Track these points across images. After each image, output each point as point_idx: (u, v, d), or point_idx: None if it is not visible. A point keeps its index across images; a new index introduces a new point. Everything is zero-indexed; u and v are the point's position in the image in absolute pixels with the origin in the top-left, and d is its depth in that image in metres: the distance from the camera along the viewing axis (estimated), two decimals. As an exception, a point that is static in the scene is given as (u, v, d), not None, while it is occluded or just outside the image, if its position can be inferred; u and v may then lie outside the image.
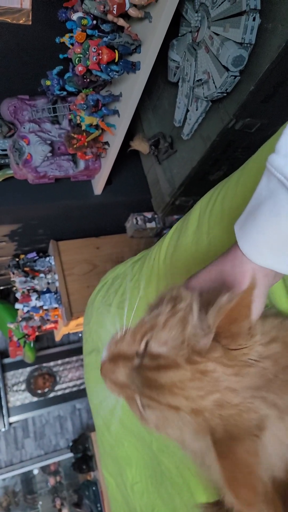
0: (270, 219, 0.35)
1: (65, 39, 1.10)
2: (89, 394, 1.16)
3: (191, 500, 0.65)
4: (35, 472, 2.77)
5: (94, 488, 2.62)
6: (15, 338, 2.18)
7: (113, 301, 0.87)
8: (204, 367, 0.35)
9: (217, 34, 0.88)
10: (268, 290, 0.41)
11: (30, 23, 1.15)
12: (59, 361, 2.99)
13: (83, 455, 2.71)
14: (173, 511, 0.74)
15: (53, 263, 1.78)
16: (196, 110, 1.06)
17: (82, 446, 2.71)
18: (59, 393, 2.94)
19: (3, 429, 2.65)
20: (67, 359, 3.04)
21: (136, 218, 1.71)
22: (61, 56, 1.15)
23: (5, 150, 1.31)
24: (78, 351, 3.05)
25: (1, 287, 2.84)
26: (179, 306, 0.39)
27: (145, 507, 0.83)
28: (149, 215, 1.73)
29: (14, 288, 1.86)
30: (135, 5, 0.90)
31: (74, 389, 3.01)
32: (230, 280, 0.40)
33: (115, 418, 0.94)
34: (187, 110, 1.11)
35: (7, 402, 2.71)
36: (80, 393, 2.98)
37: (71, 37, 1.08)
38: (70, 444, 2.77)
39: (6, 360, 2.79)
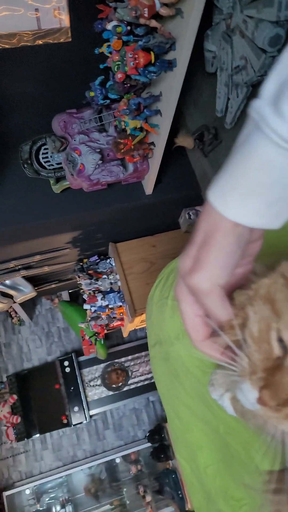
0: (239, 163, 0.33)
1: (104, 49, 1.15)
2: (157, 384, 1.21)
3: (259, 478, 0.66)
4: (118, 460, 2.93)
5: (173, 476, 2.69)
6: (87, 337, 2.32)
7: (169, 294, 0.91)
8: None
9: (251, 17, 0.87)
10: (240, 244, 0.36)
11: (70, 39, 1.23)
12: (130, 357, 3.12)
13: (160, 444, 2.80)
14: (244, 489, 0.76)
15: (113, 264, 1.87)
16: (237, 97, 1.05)
17: (159, 436, 2.80)
18: (132, 386, 3.07)
19: (85, 421, 2.84)
20: (136, 354, 3.15)
21: (188, 213, 1.73)
22: (101, 66, 1.21)
23: (60, 163, 1.41)
24: (146, 346, 3.14)
25: (70, 291, 3.03)
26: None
27: (219, 489, 0.87)
28: (201, 208, 1.74)
29: (81, 291, 1.99)
30: (165, 4, 0.92)
31: (146, 382, 3.12)
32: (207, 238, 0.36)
33: (182, 404, 0.98)
34: (228, 99, 1.11)
35: (86, 396, 2.89)
36: (152, 386, 3.08)
37: (108, 46, 1.14)
38: (147, 434, 2.88)
39: (81, 358, 2.98)
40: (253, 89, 1.02)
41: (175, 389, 1.02)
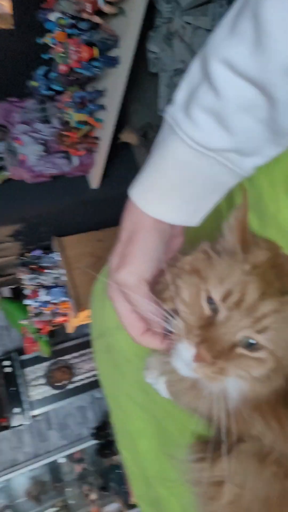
0: (157, 164, 0.35)
1: (47, 39, 1.14)
2: (101, 377, 1.22)
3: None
4: (61, 461, 2.89)
5: (118, 471, 2.72)
6: (29, 334, 2.26)
7: (111, 286, 0.93)
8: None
9: (189, 23, 0.91)
10: (163, 239, 0.38)
11: (13, 27, 1.20)
12: (75, 354, 3.08)
13: (106, 440, 2.81)
14: (180, 471, 0.80)
15: (58, 258, 1.84)
16: (178, 97, 1.10)
17: (104, 432, 2.81)
18: (78, 384, 3.04)
19: (26, 423, 2.76)
20: (82, 351, 3.13)
21: (133, 208, 1.76)
22: (45, 56, 1.19)
23: (1, 153, 1.36)
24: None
25: (11, 287, 2.92)
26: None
27: (158, 473, 0.90)
28: (146, 203, 1.77)
29: (23, 286, 1.93)
30: (108, 2, 0.94)
31: (92, 379, 3.11)
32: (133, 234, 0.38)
33: (123, 394, 1.01)
34: (169, 99, 1.15)
35: (28, 397, 2.81)
36: (98, 383, 3.07)
37: (52, 37, 1.12)
38: (93, 431, 2.88)
39: (24, 357, 2.89)
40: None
41: (117, 380, 1.04)
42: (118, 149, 1.50)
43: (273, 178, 0.41)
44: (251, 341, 0.35)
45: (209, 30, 0.86)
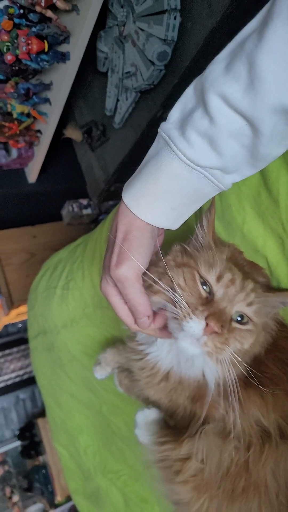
0: (151, 173, 0.40)
1: (-10, 24, 1.08)
2: (37, 376, 1.20)
3: (139, 448, 0.75)
4: (-18, 465, 2.74)
5: (43, 471, 2.67)
6: None
7: (58, 284, 0.92)
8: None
9: (142, 30, 0.94)
10: (154, 238, 0.43)
11: None
12: (-1, 354, 2.94)
13: (30, 441, 2.74)
14: (123, 462, 0.84)
15: (-12, 253, 1.74)
16: (126, 100, 1.12)
17: (29, 433, 2.73)
18: (1, 385, 2.91)
19: None
20: (7, 351, 2.99)
21: (72, 205, 1.74)
22: (-14, 41, 1.13)
23: None
24: (19, 342, 3.02)
25: None
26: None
27: (98, 466, 0.93)
28: (84, 201, 1.77)
29: None
30: (62, -3, 0.93)
31: (17, 379, 2.99)
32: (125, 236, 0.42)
33: (65, 392, 1.01)
34: (118, 100, 1.17)
35: None
36: (23, 383, 2.97)
37: (-4, 23, 1.07)
38: (17, 432, 2.78)
39: None
40: (141, 95, 1.10)
41: (58, 378, 1.04)
42: (58, 144, 1.47)
43: (240, 193, 0.47)
44: (238, 318, 0.43)
45: (163, 40, 0.90)
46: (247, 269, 0.46)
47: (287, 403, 0.46)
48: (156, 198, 0.40)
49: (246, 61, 0.32)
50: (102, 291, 0.44)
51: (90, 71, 1.31)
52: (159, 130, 0.40)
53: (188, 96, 0.38)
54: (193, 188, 0.39)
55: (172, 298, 0.42)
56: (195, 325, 0.40)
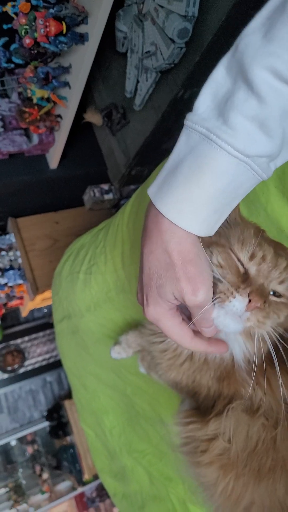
0: (191, 175, 0.35)
1: (8, 8, 1.07)
2: (63, 359, 1.23)
3: (163, 428, 0.76)
4: (13, 443, 2.86)
5: (71, 450, 2.76)
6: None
7: (81, 269, 0.93)
8: None
9: (162, 7, 0.91)
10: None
11: None
12: (26, 338, 3.03)
13: (58, 422, 2.83)
14: (147, 442, 0.85)
15: (13, 240, 1.78)
16: (146, 81, 1.10)
17: (57, 414, 2.82)
18: (29, 368, 3.00)
19: (-25, 407, 2.69)
20: (34, 335, 3.08)
21: (93, 191, 1.74)
22: (5, 26, 1.12)
23: None
24: (44, 326, 3.10)
25: None
26: None
27: (123, 445, 0.95)
28: (106, 186, 1.76)
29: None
30: (79, -24, 0.91)
31: (44, 363, 3.09)
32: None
33: (90, 374, 1.03)
34: (138, 81, 1.15)
35: (-23, 380, 2.73)
36: (49, 367, 3.06)
37: (14, 6, 1.06)
38: (45, 413, 2.88)
39: (-27, 340, 2.79)
40: (162, 75, 1.07)
41: (83, 360, 1.06)
42: (79, 129, 1.47)
43: None
44: (271, 292, 0.43)
45: (183, 16, 0.87)
46: (275, 246, 0.45)
47: None
48: (201, 204, 0.35)
49: None
50: (152, 318, 0.41)
51: (109, 52, 1.28)
52: (186, 123, 0.35)
53: (218, 79, 0.34)
54: (236, 185, 0.35)
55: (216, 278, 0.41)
56: (238, 303, 0.40)
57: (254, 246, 0.42)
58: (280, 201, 0.44)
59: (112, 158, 1.53)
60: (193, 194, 0.35)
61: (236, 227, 0.44)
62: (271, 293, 0.43)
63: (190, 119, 0.35)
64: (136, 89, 1.18)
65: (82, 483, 2.75)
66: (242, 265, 0.42)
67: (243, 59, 0.31)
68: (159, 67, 1.01)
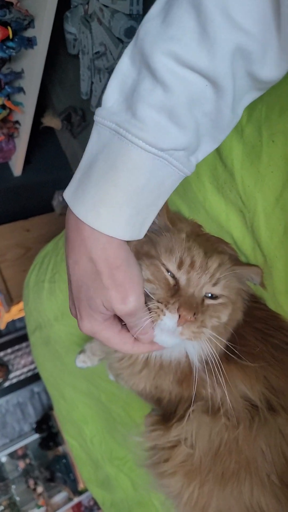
0: (105, 174, 0.32)
1: None
2: (41, 371, 1.20)
3: (138, 430, 0.74)
4: (3, 460, 2.80)
5: (64, 460, 2.72)
6: None
7: (45, 278, 0.91)
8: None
9: (106, 6, 0.90)
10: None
11: None
12: (9, 350, 2.97)
13: (48, 433, 2.78)
14: (126, 448, 0.84)
15: (-17, 252, 1.73)
16: (100, 81, 1.08)
17: (46, 425, 2.78)
18: (14, 380, 2.94)
19: None
20: (17, 346, 3.01)
21: (61, 196, 1.71)
22: None
23: None
24: (27, 336, 3.05)
25: None
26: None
27: (105, 454, 0.93)
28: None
29: None
30: (20, -22, 0.88)
31: (29, 374, 3.03)
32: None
33: (66, 384, 1.01)
34: (92, 82, 1.13)
35: None
36: (36, 377, 3.01)
37: None
38: (34, 426, 2.82)
39: None
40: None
41: (59, 371, 1.04)
42: (41, 134, 1.44)
43: (198, 169, 0.43)
44: (209, 294, 0.41)
45: (128, 15, 0.86)
46: (212, 243, 0.44)
47: (270, 373, 0.44)
48: (120, 205, 0.32)
49: (190, 6, 0.27)
50: (89, 331, 0.39)
51: (63, 55, 1.26)
52: (96, 118, 0.33)
53: (124, 70, 0.31)
54: (156, 182, 0.33)
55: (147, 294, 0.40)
56: (169, 320, 0.38)
57: (182, 253, 0.40)
58: (216, 197, 0.43)
59: (77, 161, 1.51)
60: (109, 194, 0.32)
61: (167, 233, 0.43)
62: (209, 295, 0.41)
63: (100, 114, 0.33)
64: (91, 91, 1.16)
65: (78, 492, 2.71)
66: (173, 275, 0.41)
67: (144, 46, 0.29)
68: (111, 67, 0.99)
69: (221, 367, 0.41)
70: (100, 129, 0.33)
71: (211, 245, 0.43)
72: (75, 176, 0.36)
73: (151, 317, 0.39)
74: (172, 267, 0.41)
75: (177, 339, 0.40)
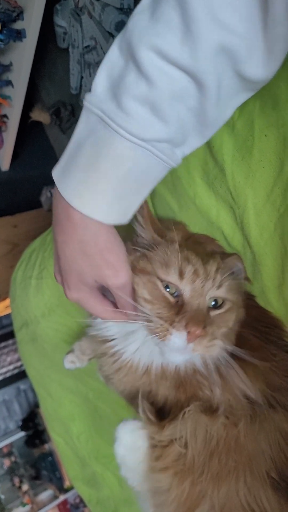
0: (89, 159, 0.34)
1: None
2: (27, 368, 1.19)
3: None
4: (-12, 458, 2.77)
5: (50, 458, 2.71)
6: None
7: (32, 274, 0.90)
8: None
9: (97, 0, 0.89)
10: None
11: None
12: (-6, 347, 2.93)
13: (34, 431, 2.77)
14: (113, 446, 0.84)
15: None
16: (90, 76, 1.07)
17: (32, 423, 2.76)
18: (0, 378, 2.91)
19: None
20: (2, 344, 2.98)
21: (50, 191, 1.69)
22: None
23: None
24: (13, 333, 3.01)
25: None
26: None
27: (91, 451, 0.93)
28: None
29: None
30: None
31: (16, 371, 2.99)
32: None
33: (53, 382, 1.00)
34: (82, 77, 1.12)
35: None
36: (22, 375, 2.98)
37: None
38: (20, 423, 2.80)
39: None
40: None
41: (46, 368, 1.03)
42: (29, 128, 1.42)
43: (189, 164, 0.43)
44: (212, 303, 0.40)
45: (119, 9, 0.85)
46: (202, 245, 0.43)
47: (268, 369, 0.44)
48: (102, 189, 0.34)
49: (176, 3, 0.27)
50: (75, 299, 0.41)
51: (52, 49, 1.24)
52: (85, 103, 0.34)
53: (113, 59, 0.32)
54: (140, 170, 0.34)
55: (145, 316, 0.39)
56: (178, 339, 0.37)
57: (180, 263, 0.39)
58: (206, 192, 0.43)
59: (65, 157, 1.49)
60: (92, 178, 0.34)
61: (159, 246, 0.42)
62: (212, 304, 0.40)
63: (88, 100, 0.33)
64: (81, 85, 1.15)
65: (63, 490, 2.70)
66: (176, 288, 0.40)
67: (132, 39, 0.30)
68: (101, 61, 0.98)
69: (217, 368, 0.41)
70: (88, 114, 0.34)
71: (202, 248, 0.43)
72: (63, 156, 0.37)
73: (157, 336, 0.38)
74: (173, 279, 0.39)
75: (189, 355, 0.39)
